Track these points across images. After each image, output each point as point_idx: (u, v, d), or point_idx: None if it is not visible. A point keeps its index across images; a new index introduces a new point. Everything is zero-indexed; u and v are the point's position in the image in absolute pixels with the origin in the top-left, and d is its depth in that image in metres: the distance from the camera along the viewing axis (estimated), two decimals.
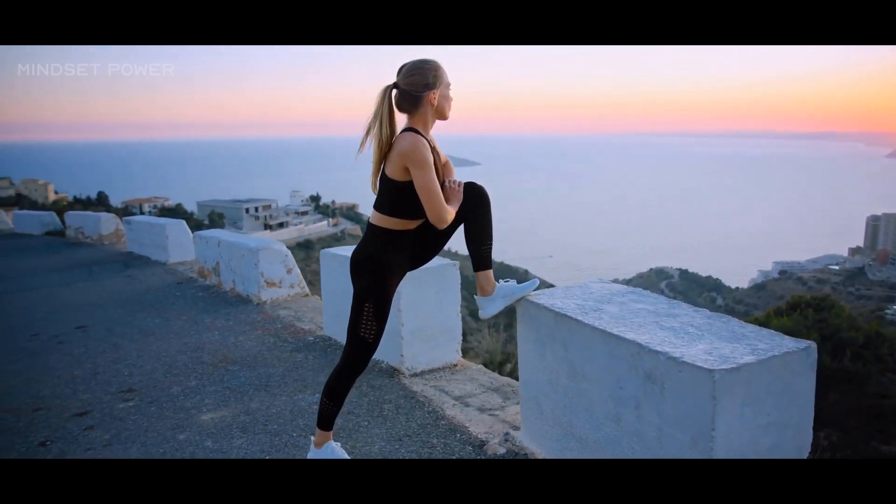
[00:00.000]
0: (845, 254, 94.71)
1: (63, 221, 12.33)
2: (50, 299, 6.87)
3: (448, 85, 2.60)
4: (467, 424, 3.31)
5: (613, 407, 2.38)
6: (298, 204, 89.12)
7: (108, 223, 10.99)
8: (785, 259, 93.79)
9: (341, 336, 4.78)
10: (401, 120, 2.60)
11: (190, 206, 71.68)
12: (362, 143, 2.56)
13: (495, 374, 4.16)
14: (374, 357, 4.17)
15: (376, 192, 2.61)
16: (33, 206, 34.68)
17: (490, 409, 3.52)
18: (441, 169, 2.67)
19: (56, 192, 60.40)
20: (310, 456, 2.89)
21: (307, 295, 6.32)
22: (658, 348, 2.17)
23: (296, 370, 4.26)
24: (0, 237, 12.59)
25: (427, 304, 4.02)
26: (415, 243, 2.67)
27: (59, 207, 20.14)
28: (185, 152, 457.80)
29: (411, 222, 2.61)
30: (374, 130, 2.52)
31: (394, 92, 2.55)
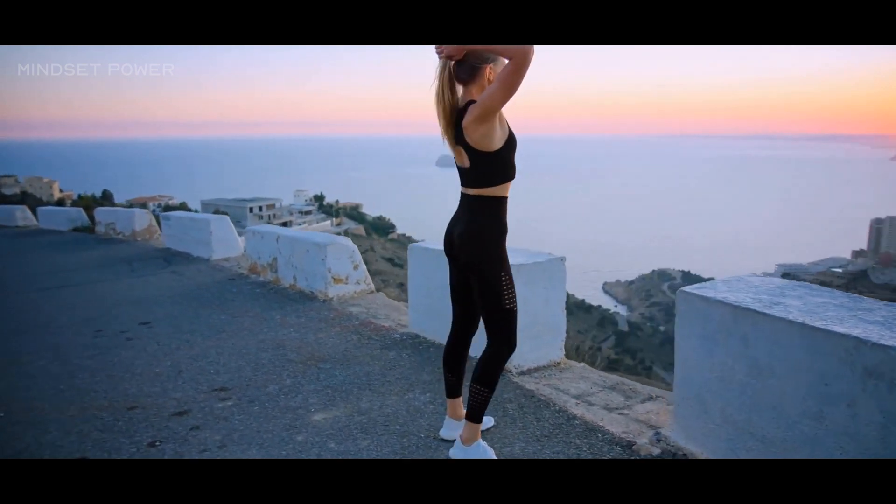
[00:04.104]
0: (848, 256, 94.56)
1: (92, 218, 12.17)
2: (100, 295, 6.71)
3: (502, 64, 2.54)
4: (602, 423, 3.15)
5: (814, 404, 2.23)
6: (302, 203, 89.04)
7: (141, 219, 10.82)
8: (787, 261, 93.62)
9: (430, 332, 4.63)
10: None
11: (194, 205, 71.41)
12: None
13: (603, 372, 4.01)
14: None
15: (461, 161, 2.56)
16: (38, 203, 34.47)
17: (617, 409, 3.36)
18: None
19: (61, 190, 60.25)
20: (455, 454, 2.74)
21: (373, 291, 6.16)
22: (885, 342, 2.02)
23: (394, 368, 4.10)
24: (27, 234, 12.44)
25: (535, 300, 3.86)
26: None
27: (85, 203, 19.98)
28: (189, 151, 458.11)
29: (507, 186, 2.59)
30: (438, 97, 2.50)
31: (453, 62, 2.52)
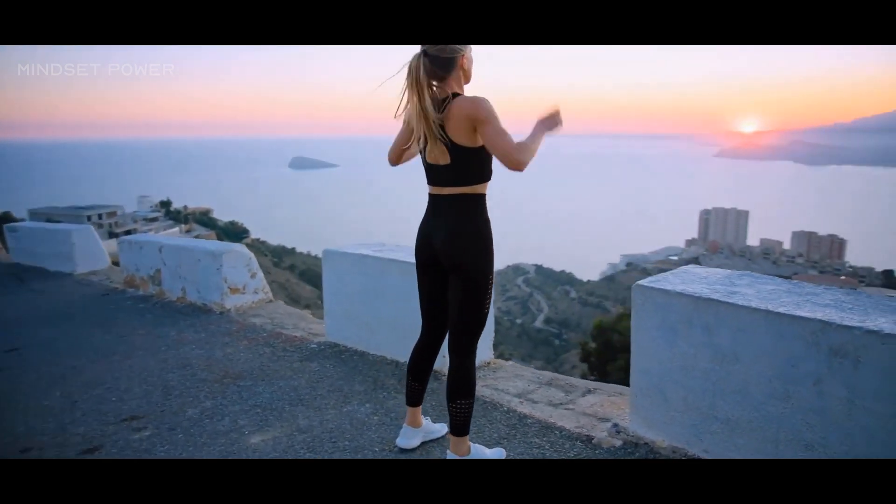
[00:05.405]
0: (682, 245, 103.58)
1: None
2: None
3: (471, 49, 2.51)
4: (553, 420, 3.17)
5: (780, 385, 2.35)
6: (147, 210, 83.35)
7: None
8: (630, 252, 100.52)
9: (350, 340, 4.44)
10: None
11: (20, 214, 64.52)
12: (398, 110, 2.48)
13: (533, 370, 4.04)
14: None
15: (435, 159, 2.45)
16: None
17: (562, 404, 3.40)
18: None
19: None
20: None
21: (271, 300, 5.83)
22: (848, 323, 2.17)
23: (322, 381, 3.88)
24: None
25: None
26: None
27: None
28: (11, 155, 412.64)
29: (486, 185, 2.52)
30: (423, 98, 2.35)
31: (424, 59, 2.41)
